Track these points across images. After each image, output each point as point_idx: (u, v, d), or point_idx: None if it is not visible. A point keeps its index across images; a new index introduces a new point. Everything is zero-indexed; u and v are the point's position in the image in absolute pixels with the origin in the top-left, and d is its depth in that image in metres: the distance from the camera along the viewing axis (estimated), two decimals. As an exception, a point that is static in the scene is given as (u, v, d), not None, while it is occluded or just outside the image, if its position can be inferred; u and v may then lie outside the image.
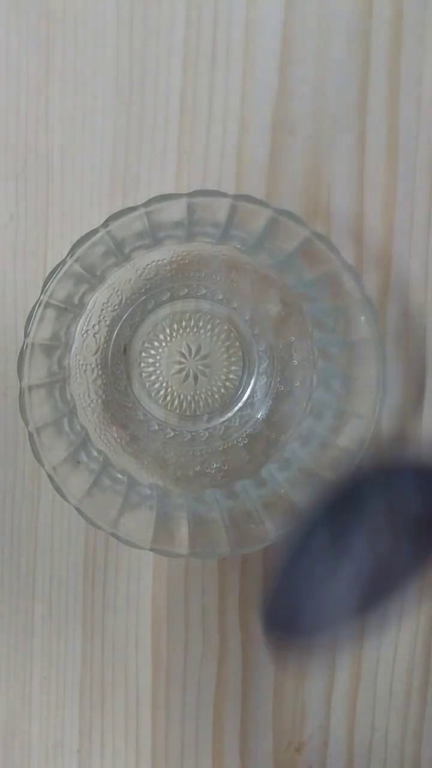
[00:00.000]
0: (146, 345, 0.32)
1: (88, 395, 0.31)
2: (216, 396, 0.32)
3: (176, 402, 0.32)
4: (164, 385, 0.32)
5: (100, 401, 0.31)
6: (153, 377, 0.32)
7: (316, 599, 0.23)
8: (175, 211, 0.27)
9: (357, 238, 0.32)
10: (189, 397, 0.32)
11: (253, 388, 0.32)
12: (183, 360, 0.32)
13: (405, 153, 0.32)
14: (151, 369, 0.32)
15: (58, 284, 0.27)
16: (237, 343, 0.32)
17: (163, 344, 0.32)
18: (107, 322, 0.31)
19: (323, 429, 0.29)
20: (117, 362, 0.32)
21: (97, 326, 0.31)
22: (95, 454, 0.29)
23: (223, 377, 0.32)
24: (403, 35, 0.32)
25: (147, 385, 0.32)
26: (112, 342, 0.32)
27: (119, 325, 0.32)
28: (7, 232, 0.33)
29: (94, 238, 0.27)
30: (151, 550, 0.28)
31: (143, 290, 0.32)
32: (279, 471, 0.30)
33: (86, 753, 0.33)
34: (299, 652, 0.29)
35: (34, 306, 0.27)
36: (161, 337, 0.32)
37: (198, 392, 0.32)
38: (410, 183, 0.32)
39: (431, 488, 0.22)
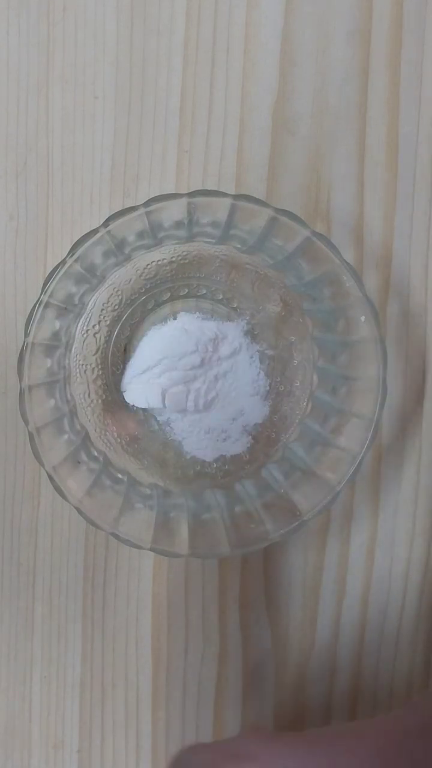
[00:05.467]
0: (146, 345, 0.32)
1: (88, 395, 0.31)
2: (216, 396, 0.32)
3: (176, 402, 0.32)
4: (164, 385, 0.32)
5: (100, 401, 0.31)
6: (153, 377, 0.32)
7: None
8: (175, 211, 0.27)
9: (357, 238, 0.32)
10: (189, 397, 0.32)
11: (253, 388, 0.32)
12: (183, 360, 0.32)
13: (405, 153, 0.32)
14: (151, 369, 0.32)
15: (58, 284, 0.27)
16: (237, 343, 0.32)
17: (163, 344, 0.32)
18: (107, 322, 0.31)
19: (323, 429, 0.29)
20: (117, 362, 0.32)
21: (97, 326, 0.31)
22: (95, 454, 0.29)
23: (223, 377, 0.32)
24: (403, 35, 0.32)
25: (147, 385, 0.32)
26: (112, 342, 0.32)
27: (119, 325, 0.32)
28: (7, 232, 0.33)
29: (94, 238, 0.27)
30: (151, 550, 0.28)
31: (143, 290, 0.32)
32: (279, 471, 0.30)
33: (86, 753, 0.33)
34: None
35: (34, 306, 0.27)
36: (161, 337, 0.32)
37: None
38: (410, 183, 0.32)
39: None
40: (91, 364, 0.31)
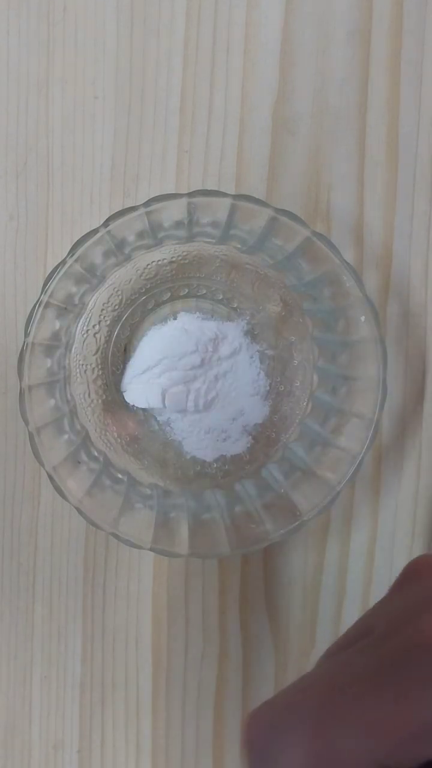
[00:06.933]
0: (146, 345, 0.32)
1: (89, 395, 0.31)
2: (216, 396, 0.32)
3: (176, 402, 0.32)
4: (164, 385, 0.32)
5: (100, 401, 0.31)
6: (153, 377, 0.32)
7: None
8: (175, 211, 0.27)
9: (357, 238, 0.32)
10: (189, 397, 0.32)
11: (253, 388, 0.32)
12: (183, 360, 0.32)
13: (405, 153, 0.32)
14: (151, 369, 0.32)
15: (58, 284, 0.27)
16: (237, 343, 0.32)
17: (163, 344, 0.32)
18: (107, 322, 0.31)
19: (323, 429, 0.29)
20: (117, 362, 0.32)
21: (97, 326, 0.31)
22: (95, 454, 0.29)
23: (223, 377, 0.32)
24: (403, 35, 0.32)
25: (147, 385, 0.32)
26: (112, 342, 0.32)
27: (119, 325, 0.32)
28: (7, 232, 0.33)
29: (94, 238, 0.27)
30: (151, 550, 0.28)
31: (143, 290, 0.32)
32: (279, 471, 0.30)
33: (86, 753, 0.33)
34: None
35: (34, 306, 0.27)
36: (161, 337, 0.32)
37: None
38: (410, 183, 0.32)
39: None
40: (91, 364, 0.31)
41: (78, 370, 0.30)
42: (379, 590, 0.32)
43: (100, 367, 0.31)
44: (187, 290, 0.32)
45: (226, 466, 0.32)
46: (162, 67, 0.32)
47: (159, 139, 0.32)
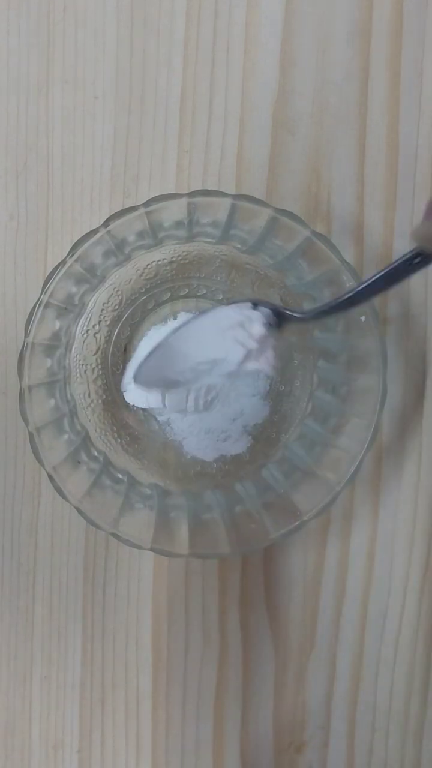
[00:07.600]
0: (146, 345, 0.32)
1: (89, 395, 0.31)
2: (216, 396, 0.32)
3: (176, 402, 0.32)
4: (164, 385, 0.32)
5: (100, 401, 0.31)
6: (153, 377, 0.32)
7: None
8: (176, 211, 0.27)
9: (357, 238, 0.32)
10: (189, 397, 0.32)
11: (253, 388, 0.32)
12: (183, 360, 0.32)
13: (405, 153, 0.32)
14: (151, 369, 0.32)
15: (59, 284, 0.27)
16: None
17: (163, 344, 0.32)
18: (107, 322, 0.31)
19: (324, 429, 0.29)
20: (117, 362, 0.32)
21: (97, 326, 0.31)
22: (95, 454, 0.29)
23: (223, 377, 0.32)
24: (403, 35, 0.32)
25: (147, 385, 0.32)
26: (112, 342, 0.32)
27: (119, 325, 0.32)
28: (7, 232, 0.33)
29: (94, 238, 0.27)
30: (151, 550, 0.28)
31: (143, 290, 0.32)
32: (279, 471, 0.30)
33: (86, 753, 0.33)
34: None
35: (35, 306, 0.28)
36: (161, 337, 0.32)
37: (198, 392, 0.32)
38: (410, 183, 0.32)
39: None
40: (91, 364, 0.31)
41: (78, 370, 0.30)
42: (380, 590, 0.32)
43: (100, 367, 0.31)
44: (187, 290, 0.32)
45: (226, 466, 0.32)
46: (162, 67, 0.32)
47: (159, 139, 0.32)
